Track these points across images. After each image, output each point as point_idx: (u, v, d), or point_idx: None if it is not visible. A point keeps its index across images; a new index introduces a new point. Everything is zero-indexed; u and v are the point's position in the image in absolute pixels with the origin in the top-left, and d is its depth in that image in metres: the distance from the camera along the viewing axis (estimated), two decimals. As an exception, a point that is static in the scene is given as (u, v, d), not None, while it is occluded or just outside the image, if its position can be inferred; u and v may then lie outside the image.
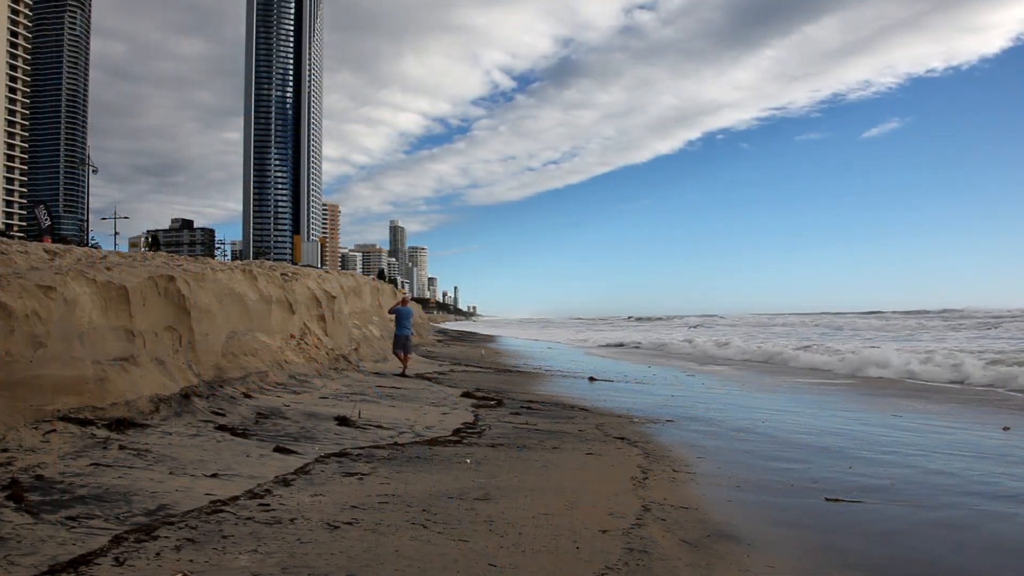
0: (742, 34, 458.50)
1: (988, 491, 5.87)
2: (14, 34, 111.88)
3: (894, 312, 74.67)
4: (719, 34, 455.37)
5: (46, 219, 74.11)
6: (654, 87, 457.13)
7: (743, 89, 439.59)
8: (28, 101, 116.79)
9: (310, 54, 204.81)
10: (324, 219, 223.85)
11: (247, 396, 9.38)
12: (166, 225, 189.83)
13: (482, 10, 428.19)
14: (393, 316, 17.29)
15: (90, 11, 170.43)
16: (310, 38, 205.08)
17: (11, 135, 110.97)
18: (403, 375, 15.47)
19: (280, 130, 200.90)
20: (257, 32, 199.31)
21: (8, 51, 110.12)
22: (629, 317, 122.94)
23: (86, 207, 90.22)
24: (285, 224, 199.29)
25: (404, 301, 18.03)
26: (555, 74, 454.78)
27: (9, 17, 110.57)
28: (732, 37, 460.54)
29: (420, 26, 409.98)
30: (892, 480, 6.20)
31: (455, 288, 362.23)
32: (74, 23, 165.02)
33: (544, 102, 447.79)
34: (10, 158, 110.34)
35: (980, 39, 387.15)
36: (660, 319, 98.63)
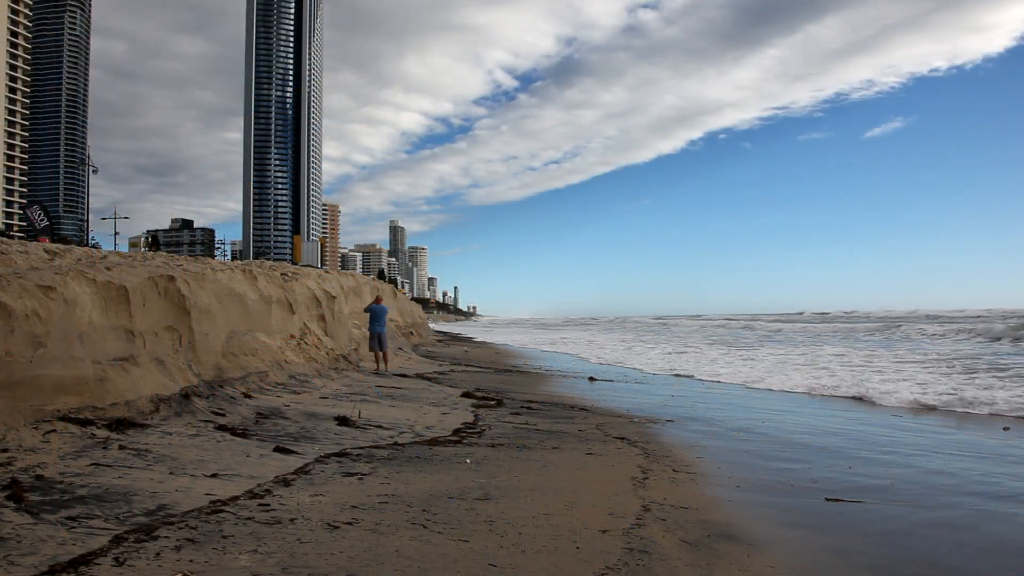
0: (745, 33, 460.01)
1: (988, 491, 5.87)
2: (14, 34, 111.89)
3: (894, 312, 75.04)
4: (722, 33, 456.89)
5: (42, 219, 73.52)
6: (656, 86, 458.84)
7: (745, 88, 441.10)
8: (28, 101, 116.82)
9: (310, 54, 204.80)
10: (324, 219, 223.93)
11: (247, 396, 9.37)
12: (166, 225, 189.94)
13: (484, 9, 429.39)
14: (368, 314, 17.41)
15: (90, 11, 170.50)
16: (310, 38, 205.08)
17: (11, 135, 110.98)
18: (377, 373, 15.49)
19: (280, 130, 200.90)
20: (257, 32, 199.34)
21: (8, 51, 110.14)
22: (614, 319, 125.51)
23: (86, 207, 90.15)
24: (285, 224, 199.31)
25: (378, 299, 18.19)
26: (557, 73, 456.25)
27: (9, 17, 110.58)
28: (735, 36, 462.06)
29: (421, 25, 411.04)
30: (892, 480, 6.19)
31: (455, 288, 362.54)
32: (74, 23, 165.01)
33: (546, 101, 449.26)
34: (10, 158, 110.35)
35: (983, 39, 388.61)
36: (648, 320, 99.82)
